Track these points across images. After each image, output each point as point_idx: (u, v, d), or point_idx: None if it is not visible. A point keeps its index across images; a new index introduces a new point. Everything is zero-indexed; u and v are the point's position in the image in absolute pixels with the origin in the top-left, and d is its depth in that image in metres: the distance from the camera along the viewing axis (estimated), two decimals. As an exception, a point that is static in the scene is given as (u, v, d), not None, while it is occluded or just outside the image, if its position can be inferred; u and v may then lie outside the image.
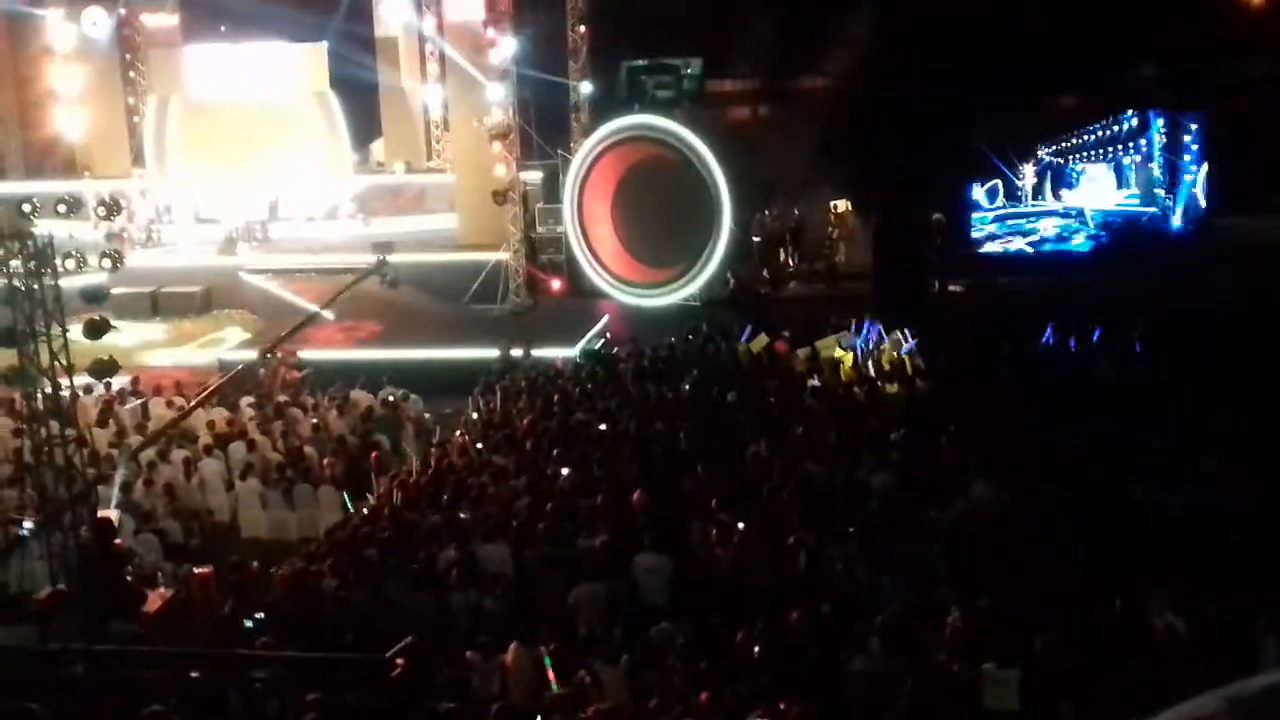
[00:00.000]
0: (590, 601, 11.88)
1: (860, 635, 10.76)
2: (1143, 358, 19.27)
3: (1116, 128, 28.97)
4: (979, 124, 28.88)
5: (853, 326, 20.80)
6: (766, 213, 29.54)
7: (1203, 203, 27.89)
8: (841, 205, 29.90)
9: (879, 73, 32.46)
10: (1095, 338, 19.86)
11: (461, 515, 14.16)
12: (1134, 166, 28.79)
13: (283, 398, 20.36)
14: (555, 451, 16.04)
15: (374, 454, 17.87)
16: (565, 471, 15.33)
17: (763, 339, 20.81)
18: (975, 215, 28.81)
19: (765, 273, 28.33)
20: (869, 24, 34.89)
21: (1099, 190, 28.89)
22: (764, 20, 36.30)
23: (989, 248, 28.83)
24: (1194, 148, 28.12)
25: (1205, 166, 27.71)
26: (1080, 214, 28.95)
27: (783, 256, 29.31)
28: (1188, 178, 28.19)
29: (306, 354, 23.16)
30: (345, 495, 16.93)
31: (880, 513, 13.45)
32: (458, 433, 18.35)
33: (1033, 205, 29.12)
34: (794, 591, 11.71)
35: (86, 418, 18.47)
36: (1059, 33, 30.05)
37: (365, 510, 15.99)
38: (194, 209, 31.31)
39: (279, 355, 22.38)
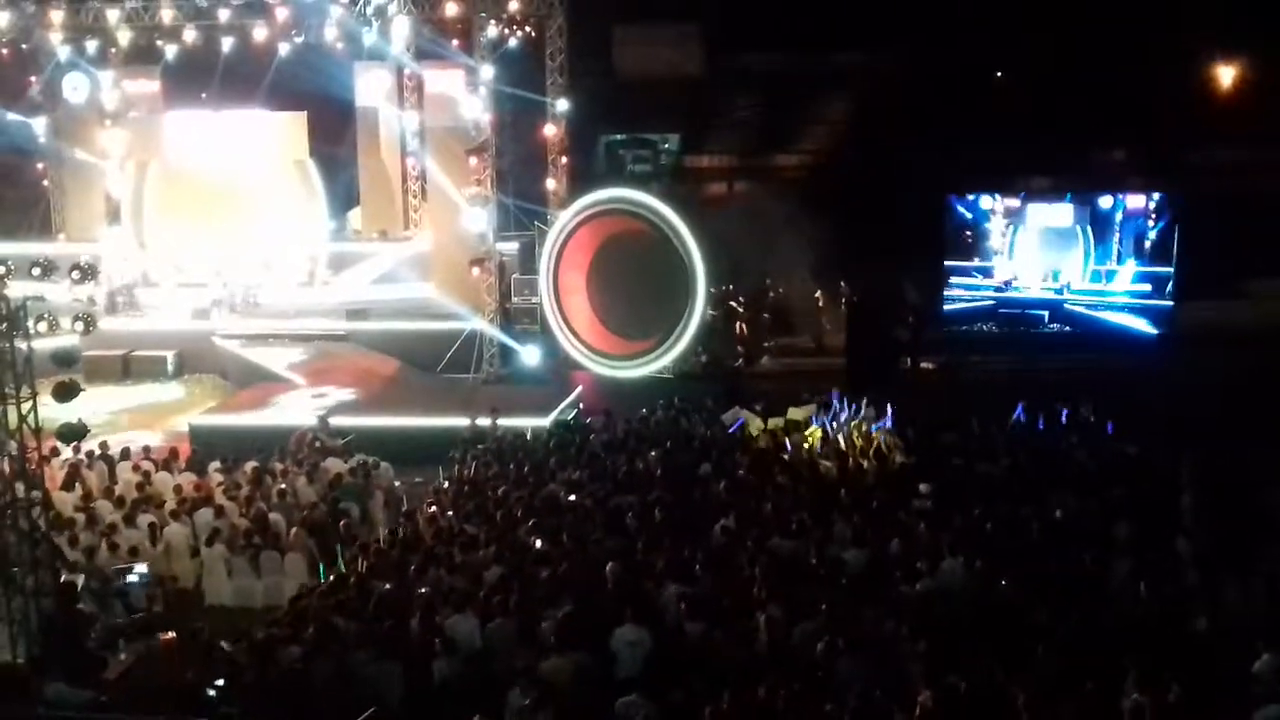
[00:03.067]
0: (556, 675, 11.76)
1: (831, 713, 10.68)
2: (1112, 439, 19.33)
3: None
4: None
5: (825, 401, 20.83)
6: (735, 286, 29.71)
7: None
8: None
9: (855, 152, 32.97)
10: (1064, 418, 19.96)
11: (428, 586, 14.05)
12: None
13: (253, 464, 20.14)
14: (526, 522, 15.98)
15: (342, 522, 17.74)
16: (537, 543, 15.27)
17: (758, 423, 20.76)
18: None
19: (739, 347, 28.44)
20: (847, 105, 35.49)
21: (1061, 249, 26.99)
22: (742, 98, 36.86)
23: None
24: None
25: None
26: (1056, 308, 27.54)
27: (756, 331, 29.43)
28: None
29: (277, 420, 23.10)
30: (312, 563, 16.78)
31: (851, 589, 13.40)
32: (428, 501, 18.24)
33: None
34: (764, 667, 11.64)
35: (53, 481, 18.32)
36: (1033, 117, 30.58)
37: (332, 578, 15.84)
38: (175, 274, 31.22)
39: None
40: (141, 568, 16.29)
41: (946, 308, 28.67)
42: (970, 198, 28.10)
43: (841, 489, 17.15)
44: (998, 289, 28.15)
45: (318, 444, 21.06)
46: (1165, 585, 13.31)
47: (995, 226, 28.00)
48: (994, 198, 27.88)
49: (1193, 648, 11.73)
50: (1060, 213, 26.89)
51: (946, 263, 28.45)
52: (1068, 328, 27.71)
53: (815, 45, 34.53)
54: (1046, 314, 27.77)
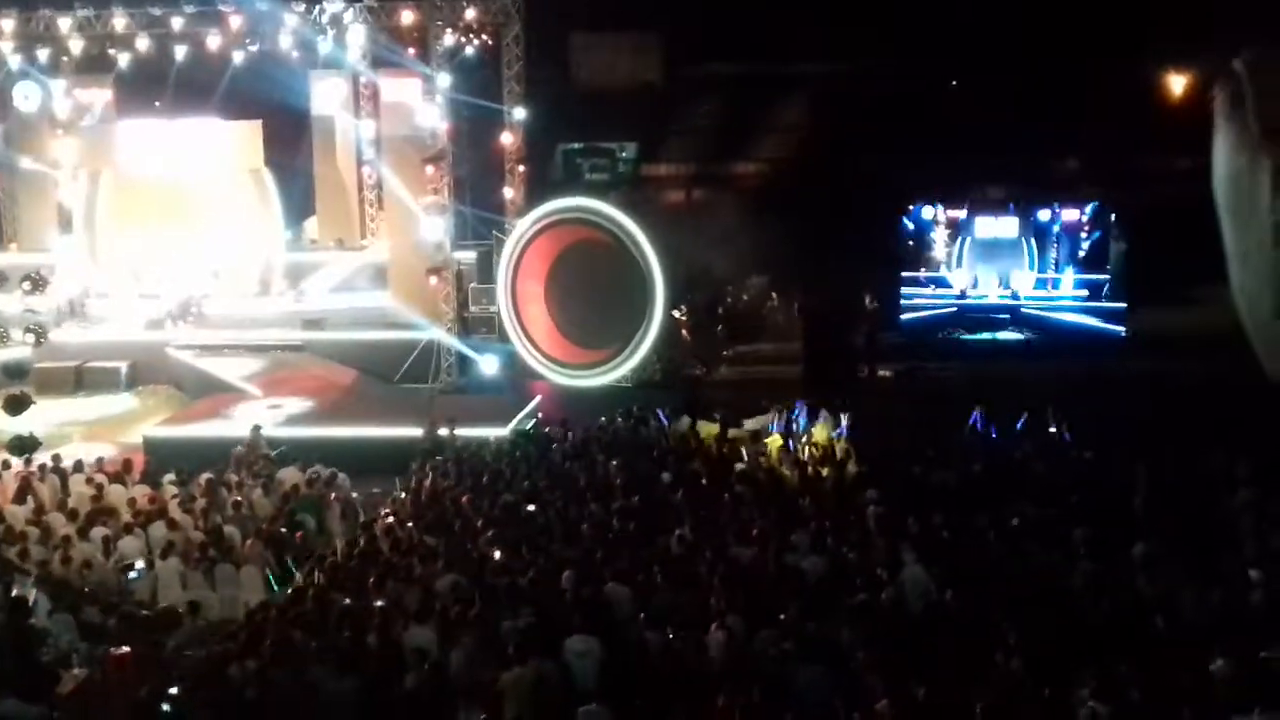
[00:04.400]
0: (516, 685, 11.70)
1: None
2: (1068, 445, 19.48)
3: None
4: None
5: (781, 410, 20.89)
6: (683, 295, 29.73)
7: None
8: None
9: (813, 161, 33.14)
10: (1020, 424, 20.10)
11: (386, 598, 13.95)
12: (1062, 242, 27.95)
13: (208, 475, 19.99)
14: (486, 533, 15.91)
15: (298, 534, 17.60)
16: (496, 553, 15.20)
17: (713, 427, 20.81)
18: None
19: (696, 355, 28.46)
20: (805, 114, 35.67)
21: (1006, 258, 28.19)
22: (700, 107, 36.97)
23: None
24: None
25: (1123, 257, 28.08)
26: (1015, 312, 28.44)
27: (712, 339, 29.46)
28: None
29: (232, 432, 22.93)
30: (268, 576, 16.65)
31: (810, 597, 13.39)
32: (385, 512, 18.14)
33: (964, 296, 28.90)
34: (722, 677, 11.62)
35: (4, 494, 18.11)
36: (987, 126, 30.80)
37: (288, 591, 15.71)
38: (132, 284, 30.92)
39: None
40: (140, 564, 16.43)
41: (908, 316, 29.04)
42: (915, 209, 28.94)
43: (800, 497, 17.17)
44: (959, 296, 28.90)
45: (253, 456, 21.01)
46: (1123, 590, 13.40)
47: (939, 237, 28.97)
48: (936, 207, 28.81)
49: (1151, 652, 11.79)
50: (1005, 224, 28.22)
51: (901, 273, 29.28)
52: (1028, 332, 28.50)
53: (773, 55, 34.66)
54: (1007, 317, 28.64)
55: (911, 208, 28.92)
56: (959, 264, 28.69)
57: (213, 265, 30.95)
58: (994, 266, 28.48)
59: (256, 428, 22.12)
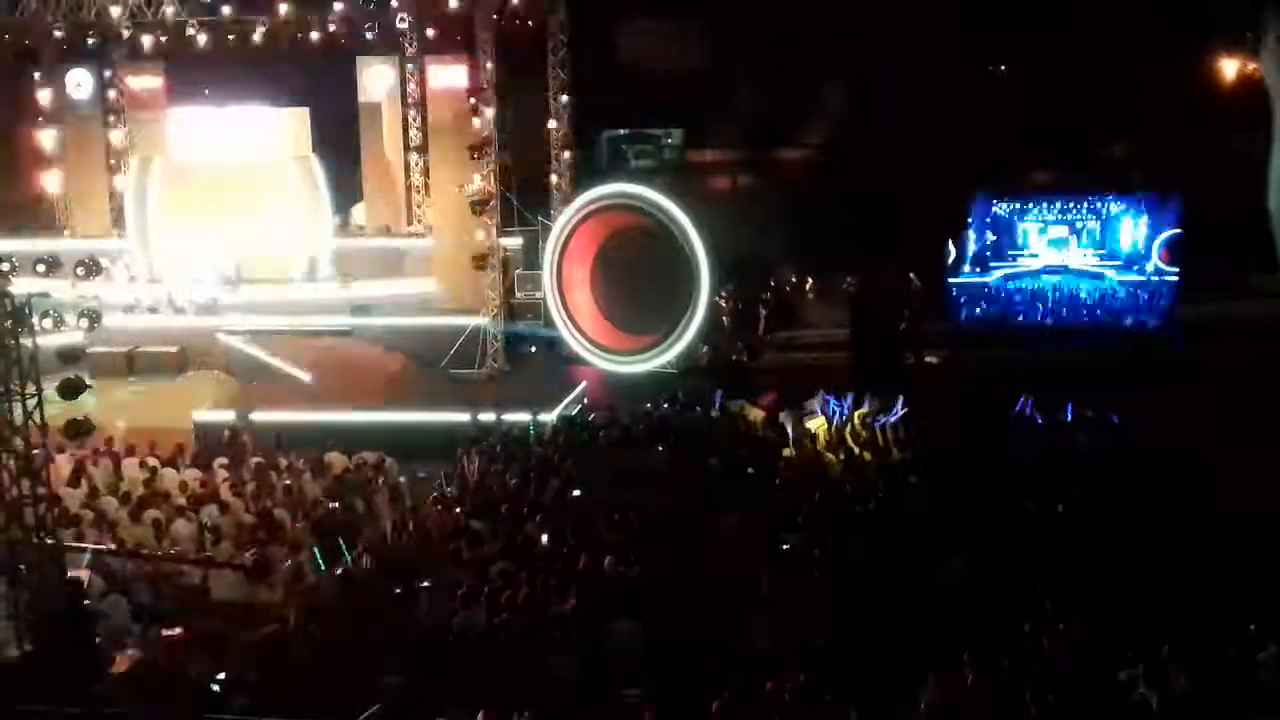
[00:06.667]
0: (562, 668, 11.79)
1: (836, 707, 10.70)
2: (1117, 431, 19.37)
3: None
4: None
5: (826, 395, 20.87)
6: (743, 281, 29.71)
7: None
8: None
9: (859, 145, 33.00)
10: (1069, 412, 20.00)
11: (435, 582, 14.08)
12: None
13: (257, 459, 20.25)
14: (533, 518, 16.00)
15: (348, 517, 17.74)
16: (544, 538, 15.29)
17: (758, 412, 20.84)
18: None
19: (742, 341, 28.45)
20: (851, 98, 35.50)
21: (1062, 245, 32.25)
22: (746, 92, 36.86)
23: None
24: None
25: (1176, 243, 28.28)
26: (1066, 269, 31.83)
27: (761, 325, 29.44)
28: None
29: (282, 416, 23.14)
30: (318, 559, 16.80)
31: (857, 582, 13.41)
32: (433, 497, 18.27)
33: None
34: (770, 661, 11.66)
35: (58, 477, 18.34)
36: (1034, 110, 30.60)
37: (338, 574, 15.87)
38: (185, 270, 31.15)
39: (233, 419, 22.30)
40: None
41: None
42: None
43: (846, 483, 17.17)
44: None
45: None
46: (1170, 576, 13.32)
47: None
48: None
49: (1199, 638, 11.71)
50: (1061, 229, 32.28)
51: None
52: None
53: (819, 38, 34.52)
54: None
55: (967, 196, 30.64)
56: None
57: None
58: (1055, 250, 31.88)
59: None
